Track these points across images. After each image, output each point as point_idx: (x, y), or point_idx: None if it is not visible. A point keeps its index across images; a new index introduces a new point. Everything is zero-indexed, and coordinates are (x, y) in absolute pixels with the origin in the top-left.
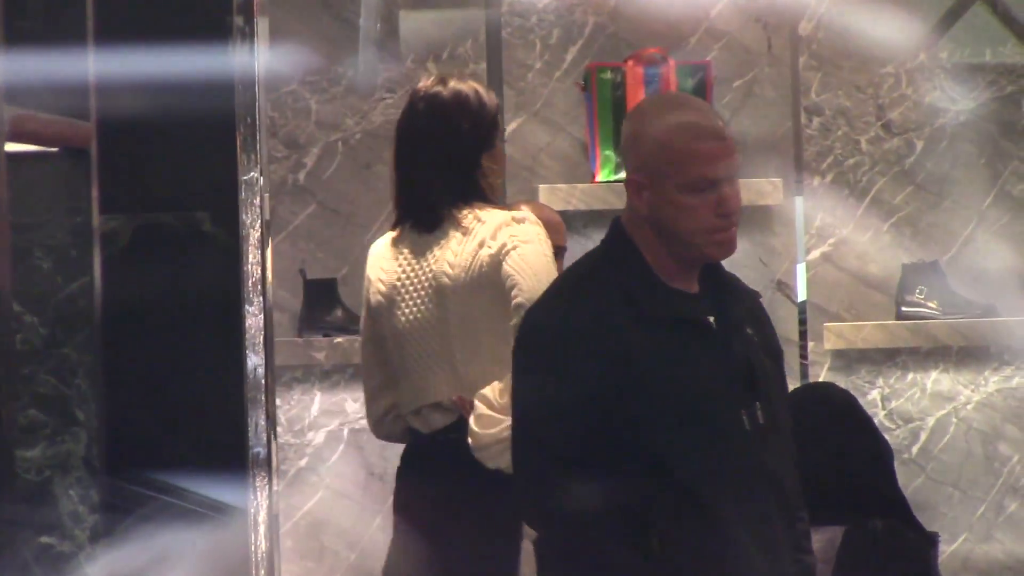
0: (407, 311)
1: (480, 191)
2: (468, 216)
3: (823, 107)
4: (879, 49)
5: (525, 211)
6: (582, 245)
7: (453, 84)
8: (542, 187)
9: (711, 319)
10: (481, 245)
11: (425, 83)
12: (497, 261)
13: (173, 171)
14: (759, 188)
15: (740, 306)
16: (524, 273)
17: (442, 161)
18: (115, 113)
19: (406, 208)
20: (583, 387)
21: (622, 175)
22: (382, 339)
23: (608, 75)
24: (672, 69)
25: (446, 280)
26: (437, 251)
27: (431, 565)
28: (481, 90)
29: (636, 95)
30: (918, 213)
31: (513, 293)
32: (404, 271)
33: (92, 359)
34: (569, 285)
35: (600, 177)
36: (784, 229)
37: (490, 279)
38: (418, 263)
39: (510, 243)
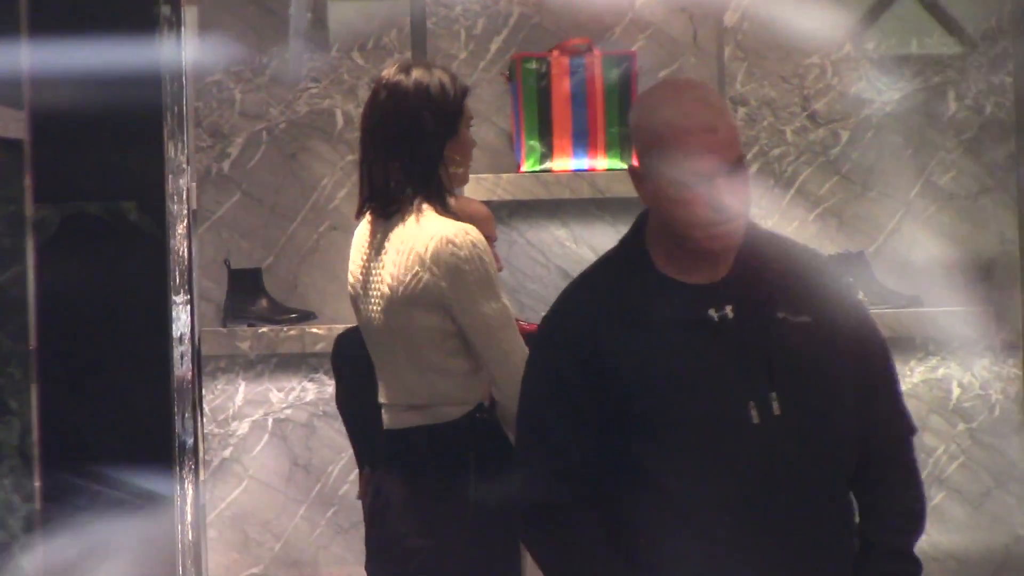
0: (364, 311)
1: (437, 181)
2: (411, 218)
3: (748, 97)
4: (805, 40)
5: (463, 227)
6: (507, 235)
7: (416, 72)
8: None
9: (713, 311)
10: (420, 262)
11: (388, 71)
12: (440, 288)
13: (100, 160)
14: None
15: (766, 290)
16: (473, 297)
17: (402, 150)
18: (48, 102)
19: (368, 197)
20: (568, 390)
21: (547, 165)
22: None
23: (533, 65)
24: (597, 59)
25: (387, 290)
26: (384, 256)
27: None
28: (445, 78)
29: (561, 85)
30: (843, 204)
31: (473, 319)
32: (363, 269)
33: (24, 348)
34: (574, 285)
35: (525, 167)
36: None
37: (430, 301)
38: (372, 264)
39: (451, 266)
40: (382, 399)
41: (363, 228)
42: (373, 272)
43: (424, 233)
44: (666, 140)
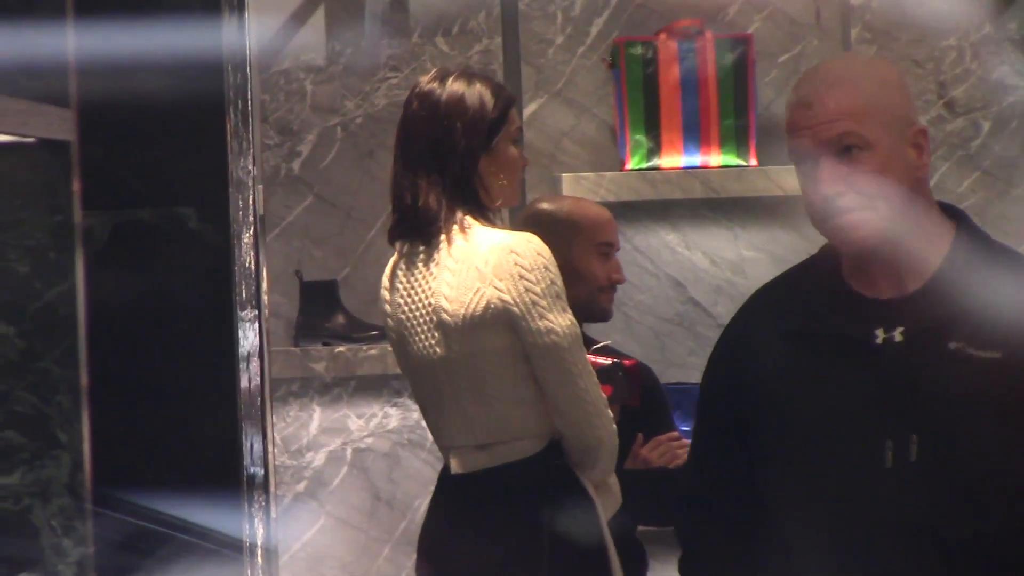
0: (415, 349)
1: (476, 199)
2: (459, 235)
3: None
4: (940, 19)
5: (524, 236)
6: None
7: (451, 81)
8: (565, 176)
9: (880, 331)
10: (480, 277)
11: (424, 78)
12: (504, 302)
13: (156, 162)
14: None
15: (945, 312)
16: (539, 310)
17: (434, 165)
18: (97, 98)
19: (399, 218)
20: (711, 410)
21: (655, 162)
22: (405, 375)
23: (638, 50)
24: (710, 43)
25: (446, 316)
26: (432, 281)
27: None
28: (486, 88)
29: (669, 72)
30: (985, 203)
31: (538, 336)
32: (406, 302)
33: (74, 374)
34: (759, 289)
35: (631, 164)
36: None
37: (496, 319)
38: (416, 294)
39: (516, 279)
40: (446, 442)
41: (397, 261)
42: (422, 302)
43: (481, 246)
44: (785, 115)
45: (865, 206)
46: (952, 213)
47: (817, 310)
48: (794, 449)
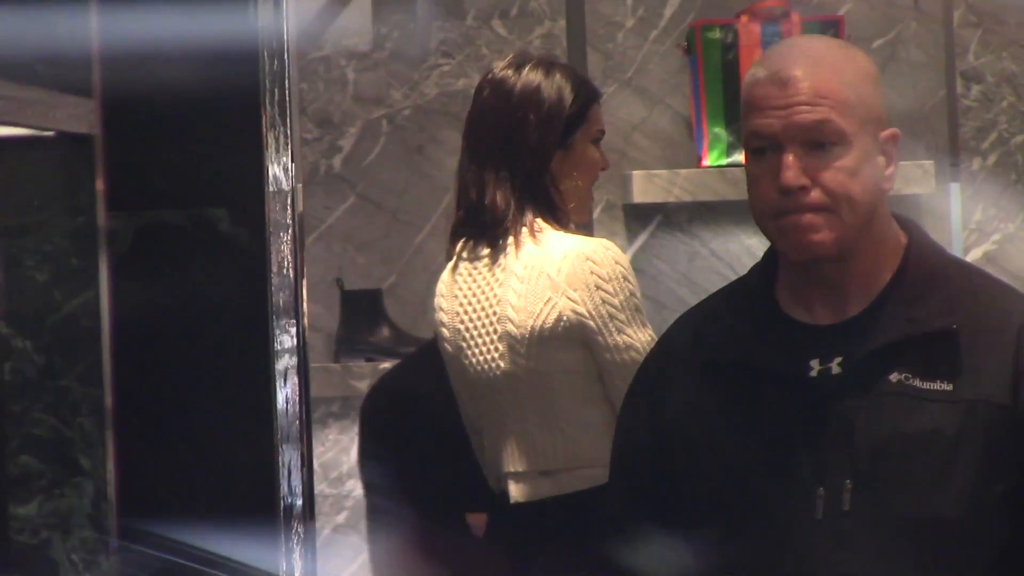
0: (474, 362)
1: (547, 200)
2: (528, 238)
3: (984, 72)
4: None
5: (601, 242)
6: (687, 244)
7: (528, 69)
8: (636, 174)
9: (816, 363)
10: (552, 286)
11: (499, 64)
12: (579, 315)
13: (185, 158)
14: (906, 173)
15: (885, 340)
16: (617, 324)
17: (504, 160)
18: (122, 89)
19: (463, 217)
20: (629, 436)
21: (735, 158)
22: (458, 392)
23: (717, 34)
24: (796, 26)
25: (512, 327)
26: (498, 288)
27: None
28: (565, 79)
29: (751, 58)
30: None
31: (615, 353)
32: (466, 311)
33: (98, 393)
34: (677, 319)
35: (708, 161)
36: (937, 223)
37: (570, 334)
38: (479, 301)
39: (592, 289)
40: (504, 468)
41: (447, 271)
42: (485, 311)
43: (553, 252)
44: (742, 96)
45: (829, 208)
46: (903, 225)
47: (744, 338)
48: (715, 496)
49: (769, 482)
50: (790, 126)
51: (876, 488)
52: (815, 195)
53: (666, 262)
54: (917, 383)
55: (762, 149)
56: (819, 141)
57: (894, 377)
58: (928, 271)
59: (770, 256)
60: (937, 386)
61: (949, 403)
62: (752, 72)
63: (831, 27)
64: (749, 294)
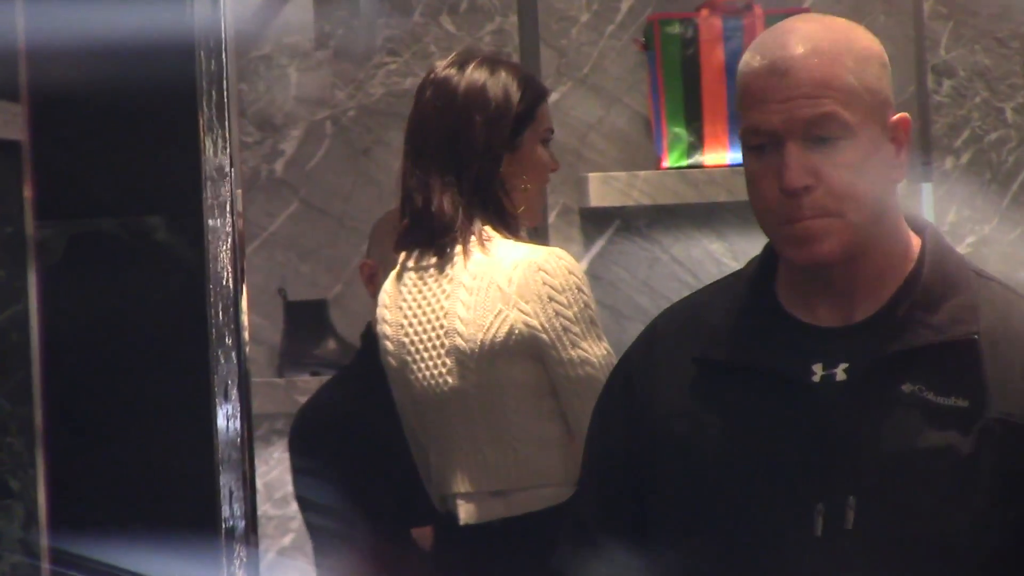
0: (419, 377)
1: (497, 205)
2: (477, 247)
3: (955, 66)
4: None
5: (553, 251)
6: (647, 250)
7: (472, 68)
8: (592, 176)
9: (819, 368)
10: (503, 298)
11: (441, 63)
12: (531, 328)
13: (118, 164)
14: None
15: (898, 347)
16: (572, 337)
17: (449, 165)
18: (51, 91)
19: (408, 224)
20: (604, 439)
21: (696, 159)
22: (401, 408)
23: (676, 29)
24: (759, 20)
25: (460, 341)
26: (445, 300)
27: None
28: (511, 77)
29: (712, 55)
30: None
31: (570, 367)
32: (411, 323)
33: (27, 411)
34: (665, 311)
35: (668, 162)
36: None
37: (521, 347)
38: (425, 314)
39: (545, 301)
40: (451, 488)
41: (390, 281)
42: (432, 324)
43: (503, 261)
44: (737, 88)
45: (833, 211)
46: (917, 226)
47: (739, 335)
48: (702, 511)
49: (763, 496)
50: (790, 121)
51: (881, 507)
52: (820, 196)
53: (625, 269)
54: (931, 396)
55: (761, 146)
56: (822, 136)
57: (907, 388)
58: (945, 275)
59: (770, 249)
60: (952, 401)
61: (965, 419)
62: (747, 60)
63: None
64: (746, 288)
